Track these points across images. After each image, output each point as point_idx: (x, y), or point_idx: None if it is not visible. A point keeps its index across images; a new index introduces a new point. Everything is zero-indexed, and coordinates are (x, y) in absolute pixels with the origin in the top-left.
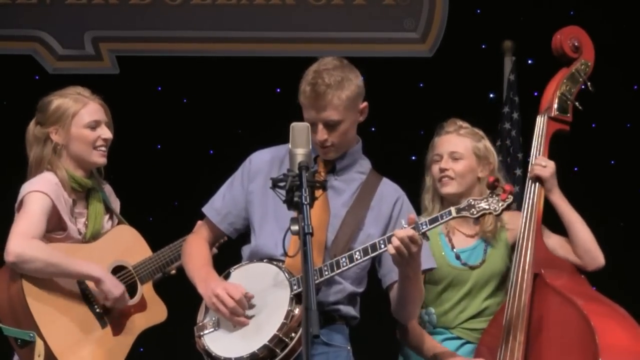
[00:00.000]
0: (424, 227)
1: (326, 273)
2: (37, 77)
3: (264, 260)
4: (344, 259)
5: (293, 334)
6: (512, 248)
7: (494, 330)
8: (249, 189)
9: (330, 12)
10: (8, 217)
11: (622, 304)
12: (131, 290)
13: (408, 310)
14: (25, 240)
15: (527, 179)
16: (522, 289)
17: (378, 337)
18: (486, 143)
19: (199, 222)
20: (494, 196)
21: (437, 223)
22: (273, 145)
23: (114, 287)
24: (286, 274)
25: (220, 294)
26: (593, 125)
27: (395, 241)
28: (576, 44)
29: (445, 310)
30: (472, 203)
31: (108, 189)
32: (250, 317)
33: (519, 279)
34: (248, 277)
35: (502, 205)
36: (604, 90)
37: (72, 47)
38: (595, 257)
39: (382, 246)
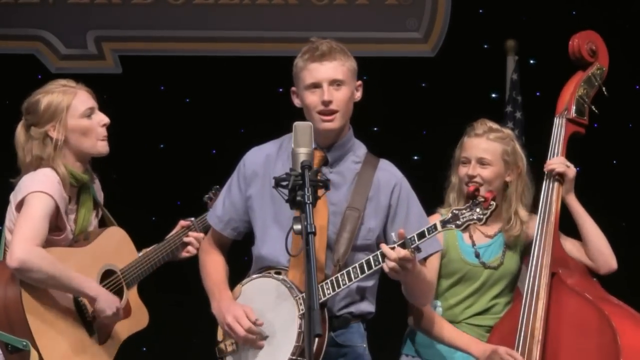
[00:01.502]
0: (413, 242)
1: (328, 292)
2: (39, 77)
3: (271, 274)
4: (342, 277)
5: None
6: (525, 248)
7: (506, 326)
8: (247, 193)
9: (333, 11)
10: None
11: (626, 303)
12: (118, 295)
13: (420, 300)
14: (30, 246)
15: (545, 178)
16: (541, 288)
17: (384, 324)
18: (515, 146)
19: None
20: (477, 205)
21: (425, 238)
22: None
23: (108, 307)
24: (293, 292)
25: (230, 324)
26: (595, 126)
27: (390, 263)
28: (593, 48)
29: (452, 304)
30: (457, 214)
31: (97, 183)
32: (265, 338)
33: (537, 278)
34: (258, 294)
35: (485, 214)
36: (606, 90)
37: (75, 47)
38: (608, 260)
39: (377, 263)
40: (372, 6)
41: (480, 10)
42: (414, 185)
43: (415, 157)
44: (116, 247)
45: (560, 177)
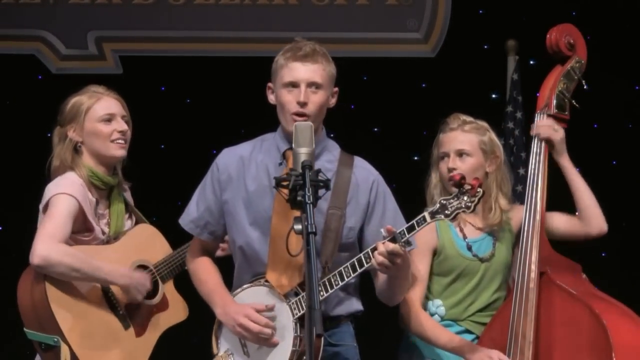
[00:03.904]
0: (403, 236)
1: (322, 294)
2: (40, 77)
3: (261, 282)
4: (334, 277)
5: (305, 358)
6: (513, 239)
7: (497, 327)
8: (223, 198)
9: (333, 12)
10: (10, 216)
11: (626, 303)
12: (153, 289)
13: (396, 298)
14: (51, 243)
15: (527, 178)
16: (530, 288)
17: (380, 328)
18: (491, 135)
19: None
20: (464, 193)
21: (415, 231)
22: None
23: (139, 292)
24: (286, 297)
25: (243, 323)
26: (595, 126)
27: (379, 258)
28: (571, 41)
29: (455, 302)
30: (445, 203)
31: (128, 190)
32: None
33: (526, 278)
34: (251, 302)
35: (473, 201)
36: (605, 90)
37: (75, 47)
38: (599, 222)
39: (368, 261)
40: (372, 6)
41: (481, 11)
42: (414, 185)
43: (415, 158)
44: (147, 243)
45: (547, 141)
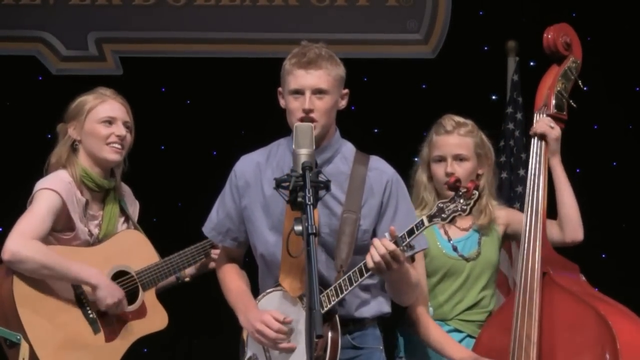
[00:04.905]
0: (404, 240)
1: (333, 299)
2: (40, 78)
3: (279, 287)
4: (344, 282)
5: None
6: (502, 239)
7: (496, 326)
8: (242, 204)
9: (334, 13)
10: (10, 217)
11: (626, 304)
12: (132, 296)
13: (401, 299)
14: (23, 239)
15: (529, 179)
16: (533, 289)
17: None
18: (482, 136)
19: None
20: (460, 196)
21: (414, 235)
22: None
23: (110, 295)
24: (304, 301)
25: (259, 329)
26: (595, 127)
27: (376, 257)
28: (567, 41)
29: (441, 302)
30: (442, 207)
31: (127, 191)
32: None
33: (529, 279)
34: (274, 307)
35: (469, 204)
36: (605, 91)
37: (75, 48)
38: (576, 229)
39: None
40: (372, 7)
41: (481, 12)
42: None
43: (416, 159)
44: (131, 249)
45: (542, 137)
